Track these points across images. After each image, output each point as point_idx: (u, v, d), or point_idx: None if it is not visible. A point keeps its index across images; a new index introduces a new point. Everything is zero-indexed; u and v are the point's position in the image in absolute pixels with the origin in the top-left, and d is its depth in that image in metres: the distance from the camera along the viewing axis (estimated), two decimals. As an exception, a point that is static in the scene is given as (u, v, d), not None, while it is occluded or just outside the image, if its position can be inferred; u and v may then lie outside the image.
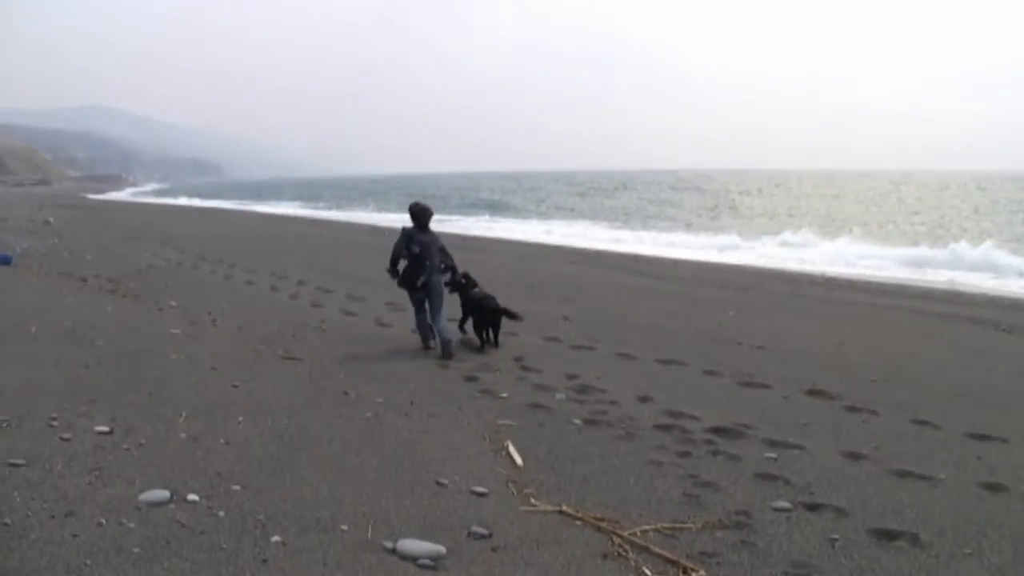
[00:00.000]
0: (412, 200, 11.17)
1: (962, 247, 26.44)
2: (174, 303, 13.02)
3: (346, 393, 7.83)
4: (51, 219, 37.64)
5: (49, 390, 7.19)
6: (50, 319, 10.79)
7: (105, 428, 6.14)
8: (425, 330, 10.21)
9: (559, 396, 8.04)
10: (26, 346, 9.12)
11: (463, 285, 10.70)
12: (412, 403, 7.60)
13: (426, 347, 10.21)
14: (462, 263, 11.05)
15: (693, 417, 7.33)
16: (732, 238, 34.09)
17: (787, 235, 33.33)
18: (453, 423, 7.05)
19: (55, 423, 6.18)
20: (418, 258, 9.95)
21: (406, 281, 10.03)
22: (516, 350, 10.13)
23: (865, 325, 13.50)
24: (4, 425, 6.08)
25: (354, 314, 12.69)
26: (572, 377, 8.77)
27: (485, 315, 10.39)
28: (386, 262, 10.26)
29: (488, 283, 11.25)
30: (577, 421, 7.18)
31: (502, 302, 10.51)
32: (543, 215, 54.05)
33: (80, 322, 10.71)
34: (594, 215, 53.66)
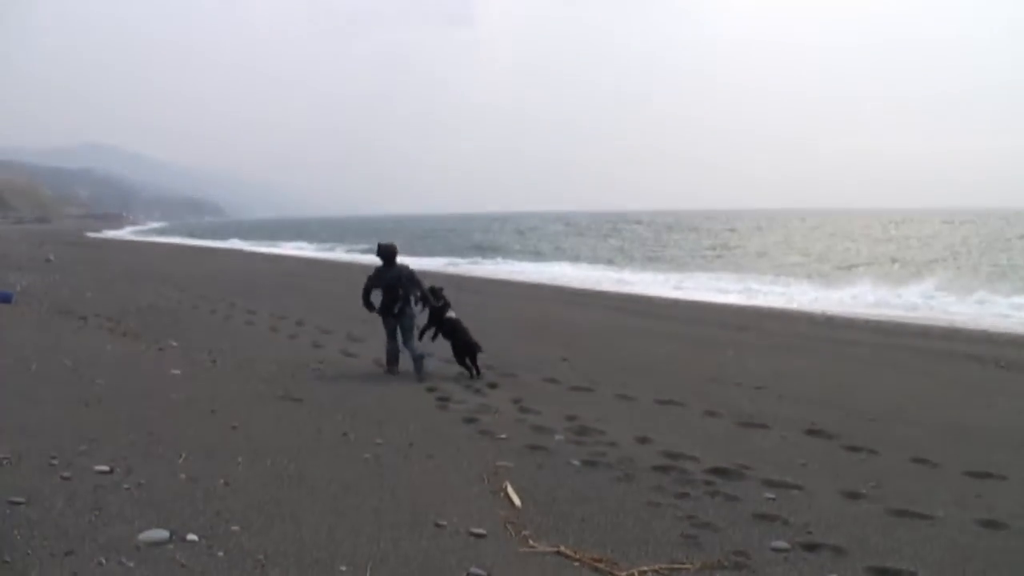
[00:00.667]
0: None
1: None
2: (174, 343, 13.05)
3: (345, 434, 7.84)
4: (52, 257, 37.78)
5: (49, 428, 7.20)
6: (50, 357, 10.83)
7: (105, 467, 6.15)
8: (393, 356, 11.34)
9: (558, 437, 8.05)
10: (26, 384, 9.16)
11: (439, 309, 11.45)
12: (411, 444, 7.61)
13: (389, 371, 11.28)
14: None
15: (692, 458, 7.34)
16: (730, 277, 34.20)
17: (785, 275, 33.41)
18: (452, 464, 7.05)
19: (55, 461, 6.19)
20: (389, 289, 11.26)
21: (383, 309, 11.28)
22: (515, 392, 10.16)
23: (865, 364, 13.54)
24: (4, 463, 6.09)
25: (354, 355, 12.72)
26: (571, 418, 8.78)
27: (462, 348, 11.17)
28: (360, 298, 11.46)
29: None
30: (576, 462, 7.19)
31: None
32: (540, 256, 54.19)
33: (80, 361, 10.75)
34: (591, 255, 53.83)
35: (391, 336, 11.34)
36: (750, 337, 16.62)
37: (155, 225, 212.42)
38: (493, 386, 10.51)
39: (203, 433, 7.47)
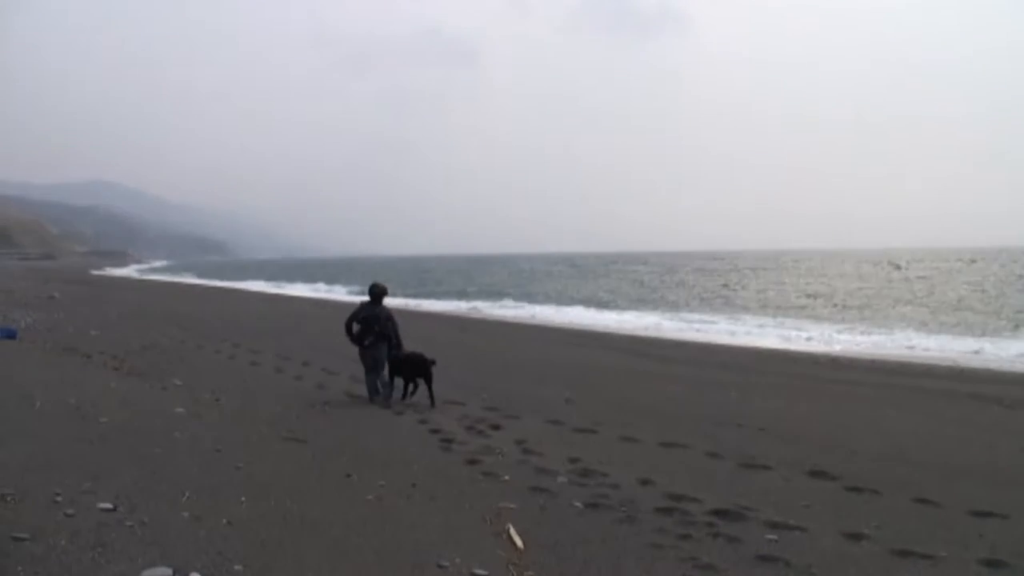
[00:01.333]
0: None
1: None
2: (178, 381, 13.09)
3: (349, 475, 7.85)
4: (56, 294, 37.91)
5: (53, 465, 7.22)
6: (54, 394, 10.85)
7: (109, 505, 6.16)
8: (372, 387, 12.31)
9: (561, 479, 8.05)
10: (30, 421, 9.18)
11: (396, 348, 12.41)
12: (414, 486, 7.61)
13: (371, 400, 12.21)
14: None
15: (694, 499, 7.34)
16: (732, 318, 34.27)
17: (791, 315, 33.49)
18: (455, 506, 7.05)
19: (59, 498, 6.20)
20: (366, 323, 12.27)
21: (358, 340, 12.28)
22: (518, 433, 10.16)
23: (868, 404, 13.56)
24: (8, 499, 6.10)
25: (358, 396, 12.74)
26: (574, 460, 8.78)
27: (416, 368, 12.17)
28: (343, 328, 12.51)
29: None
30: (578, 504, 7.19)
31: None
32: (543, 298, 54.17)
33: (84, 398, 10.77)
34: (594, 297, 53.87)
35: (369, 370, 12.31)
36: (753, 378, 16.63)
37: (159, 263, 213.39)
38: (496, 428, 10.52)
39: (207, 472, 7.48)
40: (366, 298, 12.71)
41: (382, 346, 12.20)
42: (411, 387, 12.32)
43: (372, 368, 12.31)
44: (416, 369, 12.20)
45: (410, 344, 12.70)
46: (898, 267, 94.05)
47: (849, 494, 7.77)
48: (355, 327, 12.35)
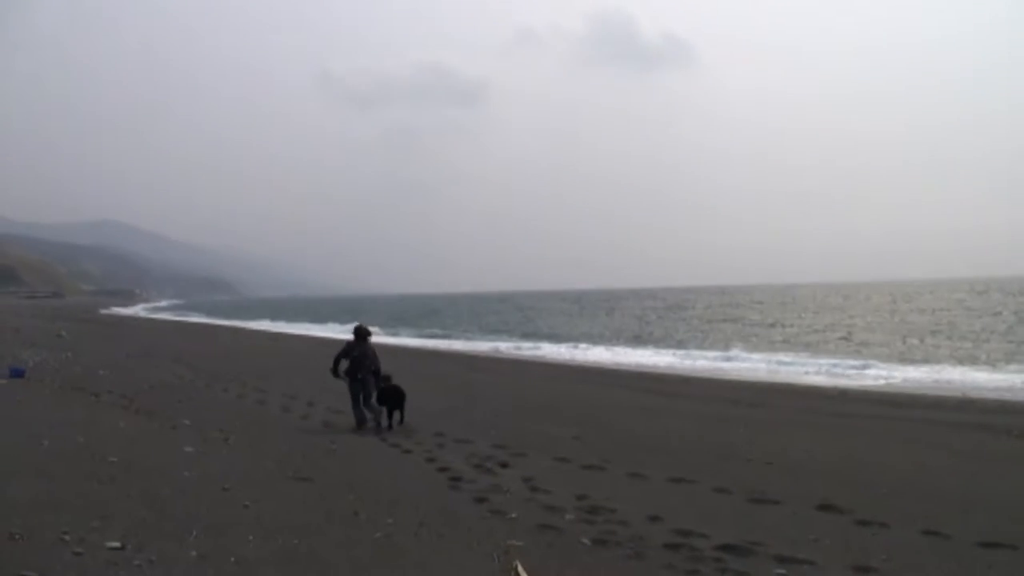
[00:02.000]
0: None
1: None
2: (187, 421, 13.11)
3: (356, 513, 7.83)
4: (64, 333, 38.02)
5: (61, 504, 7.23)
6: (62, 433, 10.88)
7: (117, 544, 6.16)
8: (360, 416, 13.53)
9: (568, 516, 8.02)
10: (38, 459, 9.20)
11: (384, 379, 13.94)
12: (422, 524, 7.59)
13: (359, 427, 13.38)
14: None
15: (702, 535, 7.31)
16: (740, 353, 34.27)
17: (799, 349, 33.48)
18: (462, 544, 7.02)
19: (67, 537, 6.21)
20: (356, 360, 13.67)
21: (349, 373, 13.63)
22: (526, 471, 10.13)
23: (877, 437, 13.50)
24: (16, 538, 6.11)
25: (365, 435, 12.73)
26: (582, 497, 8.75)
27: (396, 398, 13.67)
28: (331, 365, 13.92)
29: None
30: (586, 541, 7.16)
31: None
32: (550, 334, 54.05)
33: (92, 437, 10.80)
34: (601, 333, 53.79)
35: (356, 403, 13.61)
36: (762, 413, 16.58)
37: (166, 302, 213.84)
38: (504, 465, 10.49)
39: (214, 511, 7.48)
40: (351, 337, 14.20)
41: (371, 379, 13.67)
42: (396, 415, 13.72)
43: (363, 398, 13.61)
44: (395, 399, 13.71)
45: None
46: (907, 300, 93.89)
47: (858, 527, 7.73)
48: (343, 363, 13.77)
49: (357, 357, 13.71)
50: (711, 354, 35.63)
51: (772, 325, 57.56)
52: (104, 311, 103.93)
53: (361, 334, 14.15)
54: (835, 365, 29.27)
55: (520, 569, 6.31)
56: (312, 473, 9.61)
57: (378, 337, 13.28)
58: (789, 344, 40.28)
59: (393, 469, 10.23)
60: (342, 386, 13.98)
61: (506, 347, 43.06)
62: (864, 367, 28.15)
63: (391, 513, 7.89)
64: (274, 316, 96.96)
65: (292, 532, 6.94)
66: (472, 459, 10.86)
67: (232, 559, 6.09)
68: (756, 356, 33.54)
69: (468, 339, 50.80)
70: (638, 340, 47.67)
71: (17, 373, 17.81)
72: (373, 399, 13.65)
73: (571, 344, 44.44)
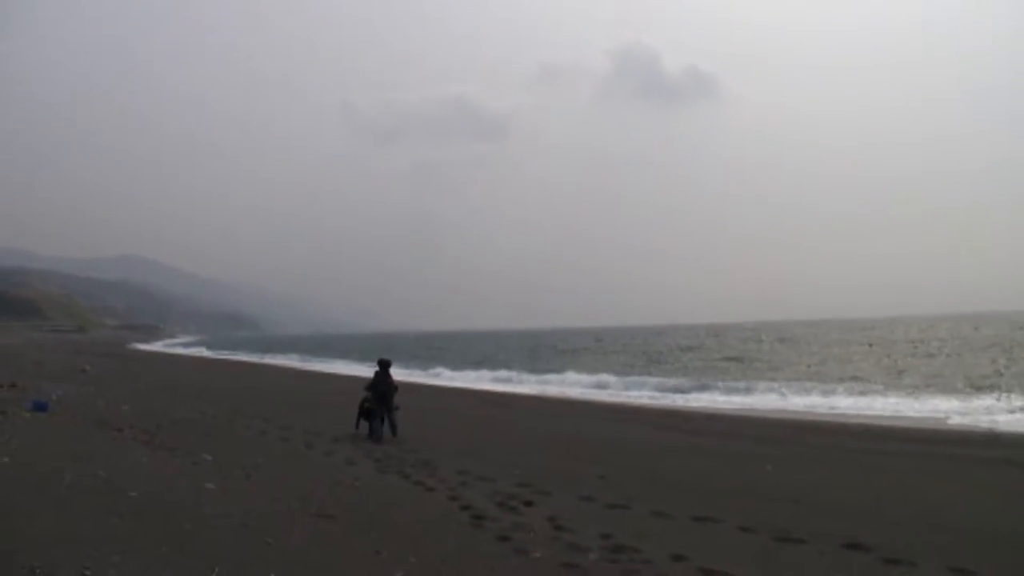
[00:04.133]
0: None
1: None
2: (209, 456, 13.06)
3: (378, 552, 7.73)
4: (87, 367, 38.27)
5: (82, 538, 7.19)
6: (84, 468, 10.86)
7: (137, 580, 6.11)
8: (377, 430, 16.52)
9: (592, 556, 7.88)
10: (60, 494, 9.17)
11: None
12: (444, 562, 7.48)
13: (372, 439, 16.24)
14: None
15: (727, 575, 7.17)
16: (763, 389, 34.00)
17: (822, 385, 33.18)
18: (486, 583, 6.91)
19: (88, 572, 6.17)
20: (380, 388, 17.03)
21: (378, 400, 16.87)
22: (550, 510, 9.99)
23: (904, 474, 13.27)
24: (37, 572, 6.08)
25: (388, 472, 12.65)
26: (606, 536, 8.61)
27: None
28: (362, 391, 17.33)
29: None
30: (611, 582, 7.02)
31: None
32: (574, 371, 53.60)
33: (114, 472, 10.76)
34: (624, 371, 53.36)
35: (375, 417, 16.70)
36: (786, 450, 16.35)
37: (190, 338, 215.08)
38: (528, 504, 10.35)
39: (236, 547, 7.42)
40: (376, 368, 17.51)
41: (392, 402, 17.06)
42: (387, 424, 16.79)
43: (377, 417, 16.79)
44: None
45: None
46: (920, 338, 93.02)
47: (885, 566, 7.59)
48: (368, 395, 17.07)
49: (383, 390, 16.98)
50: (733, 386, 35.38)
51: (794, 364, 56.94)
52: (128, 346, 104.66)
53: (383, 365, 17.51)
54: (859, 400, 29.04)
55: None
56: (335, 510, 9.52)
57: (397, 371, 15.17)
58: (811, 380, 39.80)
59: (416, 507, 10.11)
60: (364, 425, 16.18)
61: (525, 384, 42.83)
62: (888, 402, 27.85)
63: (413, 551, 7.78)
64: (298, 352, 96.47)
65: (314, 569, 6.88)
66: (495, 497, 10.72)
67: (253, 597, 6.01)
68: (777, 392, 33.23)
69: (540, 381, 48.63)
70: (660, 375, 47.19)
71: (40, 407, 17.85)
72: (395, 415, 17.04)
73: (592, 375, 44.36)
